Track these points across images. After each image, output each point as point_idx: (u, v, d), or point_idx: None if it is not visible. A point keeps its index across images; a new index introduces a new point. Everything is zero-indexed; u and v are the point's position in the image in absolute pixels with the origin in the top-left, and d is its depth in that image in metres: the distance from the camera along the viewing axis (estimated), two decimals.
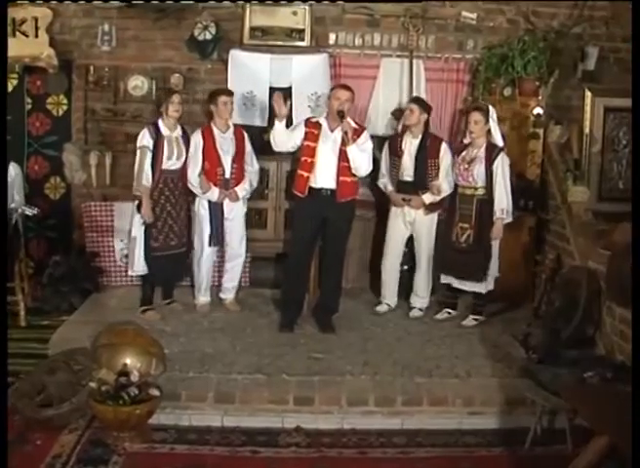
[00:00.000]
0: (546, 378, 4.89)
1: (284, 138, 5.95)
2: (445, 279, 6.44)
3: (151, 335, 5.07)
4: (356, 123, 6.03)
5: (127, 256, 6.77)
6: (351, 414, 4.91)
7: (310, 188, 5.94)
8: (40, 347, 5.55)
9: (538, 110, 6.71)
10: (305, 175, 5.93)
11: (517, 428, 4.89)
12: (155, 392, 4.54)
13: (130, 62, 7.07)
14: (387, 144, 6.49)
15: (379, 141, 7.05)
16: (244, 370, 5.20)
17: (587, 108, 7.11)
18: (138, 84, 7.04)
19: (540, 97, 6.76)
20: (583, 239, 6.00)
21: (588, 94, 7.09)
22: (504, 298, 6.75)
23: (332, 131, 5.92)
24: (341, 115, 5.79)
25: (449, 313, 6.51)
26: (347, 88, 5.96)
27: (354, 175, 6.00)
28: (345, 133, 5.79)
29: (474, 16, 6.93)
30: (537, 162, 6.80)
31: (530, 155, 6.79)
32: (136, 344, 4.75)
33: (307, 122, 6.01)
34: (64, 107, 7.10)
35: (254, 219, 6.80)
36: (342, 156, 5.88)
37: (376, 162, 6.38)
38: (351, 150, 5.83)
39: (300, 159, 6.00)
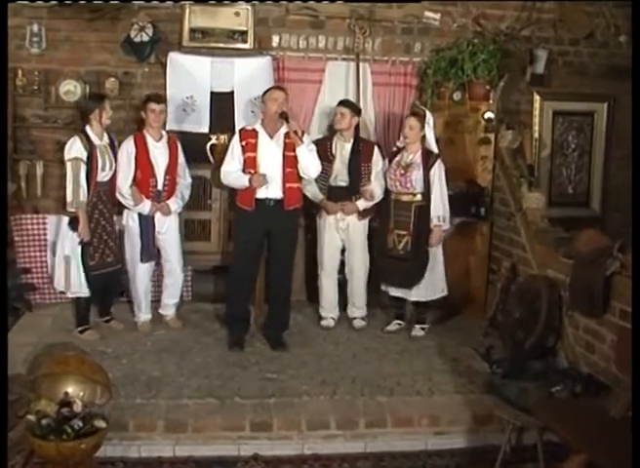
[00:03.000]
0: (512, 394, 4.73)
1: (235, 175, 5.72)
2: (385, 287, 6.24)
3: (95, 361, 4.69)
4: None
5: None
6: (312, 439, 4.63)
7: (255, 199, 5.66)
8: None
9: (489, 115, 6.55)
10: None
11: (486, 446, 4.73)
12: (101, 423, 4.15)
13: (61, 66, 6.59)
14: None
15: None
16: (194, 394, 4.87)
17: (536, 112, 7.06)
18: (70, 89, 6.55)
19: (490, 102, 6.60)
20: (541, 246, 5.85)
21: (537, 97, 7.03)
22: (457, 307, 6.60)
23: (271, 136, 5.65)
24: (285, 116, 5.55)
25: (399, 324, 6.30)
26: (281, 88, 5.74)
27: (300, 181, 5.77)
28: (295, 132, 5.53)
29: (438, 16, 6.70)
30: (488, 168, 6.63)
31: (481, 161, 6.62)
32: (78, 372, 4.35)
33: (241, 133, 5.72)
34: None
35: (197, 231, 6.45)
36: (287, 161, 5.63)
37: None
38: (301, 151, 5.58)
39: (243, 172, 5.68)
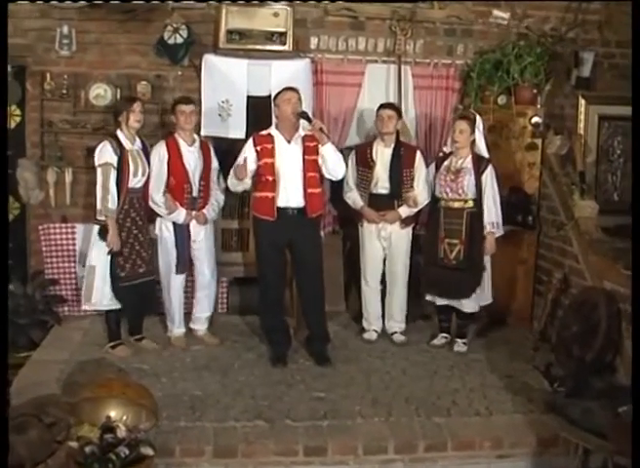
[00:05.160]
0: (576, 414, 4.43)
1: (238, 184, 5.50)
2: (431, 298, 5.95)
3: (140, 384, 4.43)
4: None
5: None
6: (369, 464, 4.36)
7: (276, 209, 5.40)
8: None
9: (536, 119, 6.28)
10: (270, 195, 5.35)
11: None
12: (148, 450, 3.90)
13: (91, 69, 6.35)
14: (354, 155, 6.00)
15: None
16: (241, 416, 4.59)
17: (581, 117, 6.77)
18: (100, 93, 6.31)
19: (538, 106, 6.34)
20: (596, 257, 5.57)
21: (582, 101, 6.74)
22: (501, 318, 6.36)
23: (289, 141, 5.39)
24: (306, 116, 5.32)
25: (445, 338, 6.03)
26: (293, 89, 5.43)
27: (322, 186, 5.55)
28: (320, 129, 5.26)
29: (507, 15, 6.41)
30: (535, 175, 6.37)
31: (528, 167, 6.36)
32: (123, 396, 4.08)
33: (255, 139, 5.44)
34: (18, 119, 6.33)
35: (232, 240, 6.24)
36: (308, 166, 5.37)
37: None
38: (327, 149, 5.33)
39: (260, 179, 5.40)
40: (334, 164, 5.41)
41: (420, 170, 5.86)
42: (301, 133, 5.41)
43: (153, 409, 4.19)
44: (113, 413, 4.10)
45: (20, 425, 4.04)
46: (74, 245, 6.30)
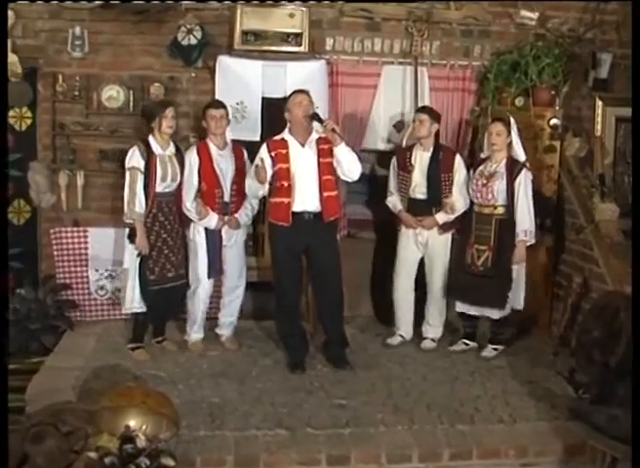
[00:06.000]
0: (602, 421, 4.35)
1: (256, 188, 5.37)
2: (461, 307, 5.84)
3: (161, 393, 4.34)
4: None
5: (102, 288, 6.27)
6: None
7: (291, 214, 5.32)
8: (11, 397, 4.70)
9: (554, 121, 6.19)
10: (286, 201, 5.27)
11: None
12: (169, 461, 3.78)
13: (104, 70, 6.27)
14: (395, 159, 5.92)
15: (380, 156, 6.59)
16: (262, 424, 4.50)
17: (598, 119, 6.68)
18: (113, 94, 6.24)
19: (556, 108, 6.25)
20: (618, 261, 5.49)
21: (599, 103, 6.65)
22: (521, 324, 6.23)
23: (302, 145, 5.31)
24: (317, 118, 5.25)
25: (466, 344, 5.93)
26: (303, 91, 5.36)
27: (338, 189, 5.45)
28: (333, 130, 5.18)
29: (535, 15, 6.31)
30: (553, 177, 6.27)
31: (546, 170, 6.26)
32: (144, 406, 3.99)
33: (269, 144, 5.36)
34: (29, 121, 6.26)
35: (247, 245, 6.14)
36: (323, 168, 5.28)
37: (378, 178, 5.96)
38: (341, 150, 5.23)
39: (275, 184, 5.31)
40: (349, 164, 5.32)
41: (460, 174, 5.75)
42: (315, 135, 5.34)
43: (174, 418, 4.10)
44: (133, 423, 3.98)
45: (37, 434, 3.96)
46: (86, 249, 6.22)
